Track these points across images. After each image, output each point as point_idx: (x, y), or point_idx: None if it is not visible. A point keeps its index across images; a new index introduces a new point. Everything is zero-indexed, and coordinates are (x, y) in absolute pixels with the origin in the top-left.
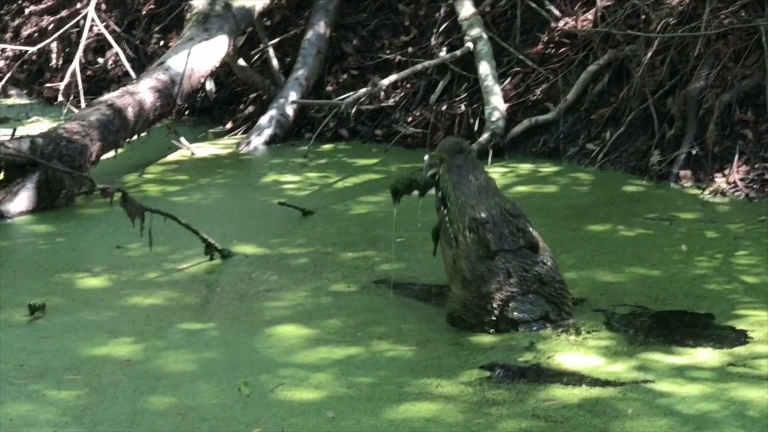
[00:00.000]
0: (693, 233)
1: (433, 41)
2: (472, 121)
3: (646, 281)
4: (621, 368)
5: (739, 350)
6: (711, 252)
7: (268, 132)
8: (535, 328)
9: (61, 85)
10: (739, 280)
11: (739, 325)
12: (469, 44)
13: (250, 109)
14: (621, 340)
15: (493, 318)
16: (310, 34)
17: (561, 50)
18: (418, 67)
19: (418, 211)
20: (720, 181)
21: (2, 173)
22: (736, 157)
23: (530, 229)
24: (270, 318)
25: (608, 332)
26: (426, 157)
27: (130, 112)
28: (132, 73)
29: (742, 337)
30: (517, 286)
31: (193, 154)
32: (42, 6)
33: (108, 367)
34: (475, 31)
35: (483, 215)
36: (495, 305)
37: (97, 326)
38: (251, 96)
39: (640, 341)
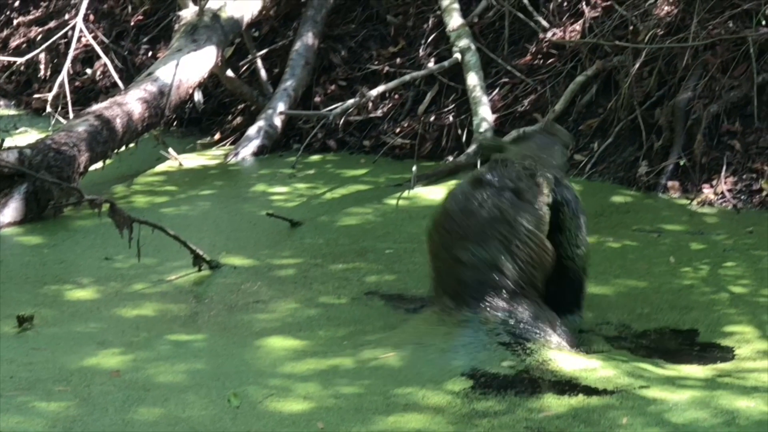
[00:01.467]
0: (681, 245)
1: (421, 52)
2: (460, 131)
3: (633, 293)
4: (612, 378)
5: (726, 364)
6: (698, 263)
7: (256, 143)
8: (482, 273)
9: (50, 96)
10: (727, 291)
11: (726, 338)
12: (457, 55)
13: (239, 119)
14: (610, 351)
15: (449, 244)
16: (298, 45)
17: (549, 61)
18: (406, 77)
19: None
20: (708, 191)
21: None
22: (724, 167)
23: (528, 180)
24: (259, 329)
25: (596, 343)
26: (414, 168)
27: (118, 123)
28: (120, 84)
29: (728, 352)
30: (482, 223)
31: (181, 165)
32: (30, 17)
33: (97, 378)
34: (463, 42)
35: (502, 157)
36: (453, 230)
37: (86, 337)
38: (239, 107)
39: (630, 352)
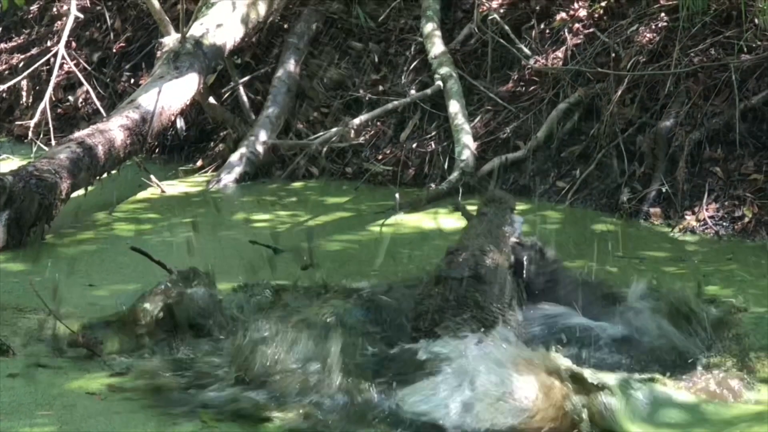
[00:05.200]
0: (663, 271)
1: (403, 79)
2: (442, 159)
3: None
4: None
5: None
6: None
7: (238, 170)
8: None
9: (32, 123)
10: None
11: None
12: (439, 82)
13: (221, 146)
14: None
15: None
16: (280, 72)
17: (531, 88)
18: (389, 106)
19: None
20: (690, 218)
21: None
22: (706, 194)
23: (486, 263)
24: None
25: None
26: (397, 195)
27: (100, 150)
28: (102, 110)
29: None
30: (454, 308)
31: (163, 191)
32: (12, 44)
33: (80, 402)
34: (445, 70)
35: (453, 247)
36: (426, 324)
37: (69, 362)
38: (222, 134)
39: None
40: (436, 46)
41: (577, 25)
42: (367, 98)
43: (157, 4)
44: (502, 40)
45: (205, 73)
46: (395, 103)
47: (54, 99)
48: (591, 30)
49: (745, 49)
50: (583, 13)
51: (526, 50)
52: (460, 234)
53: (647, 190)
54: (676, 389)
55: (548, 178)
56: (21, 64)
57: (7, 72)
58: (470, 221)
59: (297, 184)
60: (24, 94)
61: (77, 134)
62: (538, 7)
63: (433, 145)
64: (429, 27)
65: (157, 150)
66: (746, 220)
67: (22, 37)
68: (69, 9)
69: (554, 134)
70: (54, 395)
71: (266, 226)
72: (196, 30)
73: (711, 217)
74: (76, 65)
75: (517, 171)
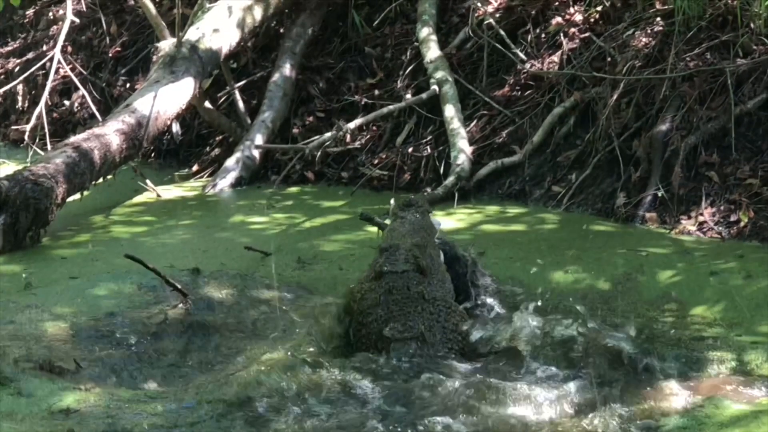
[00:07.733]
0: (668, 264)
1: (399, 84)
2: (438, 163)
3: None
4: (582, 405)
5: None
6: (682, 281)
7: (234, 174)
8: (412, 347)
9: (27, 128)
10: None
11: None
12: (435, 87)
13: (217, 151)
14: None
15: (370, 332)
16: (276, 77)
17: (527, 93)
18: (384, 111)
19: None
20: (686, 222)
21: None
22: (702, 199)
23: (423, 257)
24: (236, 364)
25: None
26: (392, 201)
27: (96, 155)
28: (98, 115)
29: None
30: (398, 303)
31: (159, 196)
32: (8, 48)
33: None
34: (441, 74)
35: (387, 245)
36: (371, 319)
37: (64, 369)
38: (217, 138)
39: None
40: (432, 51)
41: (572, 30)
42: (362, 102)
43: (153, 9)
44: (497, 45)
45: (201, 77)
46: (391, 107)
47: (50, 103)
48: (587, 34)
49: (741, 54)
50: (578, 17)
51: (522, 55)
52: (384, 236)
53: (643, 194)
54: (675, 389)
55: (544, 182)
56: (17, 69)
57: (2, 76)
58: (391, 224)
59: (293, 189)
60: (20, 98)
61: (73, 139)
62: (533, 12)
63: (429, 150)
64: (425, 31)
65: (153, 154)
66: (742, 224)
67: (18, 42)
68: (65, 13)
69: (550, 139)
70: (50, 400)
71: (262, 229)
72: (192, 35)
73: (707, 222)
74: (72, 70)
75: (512, 175)
